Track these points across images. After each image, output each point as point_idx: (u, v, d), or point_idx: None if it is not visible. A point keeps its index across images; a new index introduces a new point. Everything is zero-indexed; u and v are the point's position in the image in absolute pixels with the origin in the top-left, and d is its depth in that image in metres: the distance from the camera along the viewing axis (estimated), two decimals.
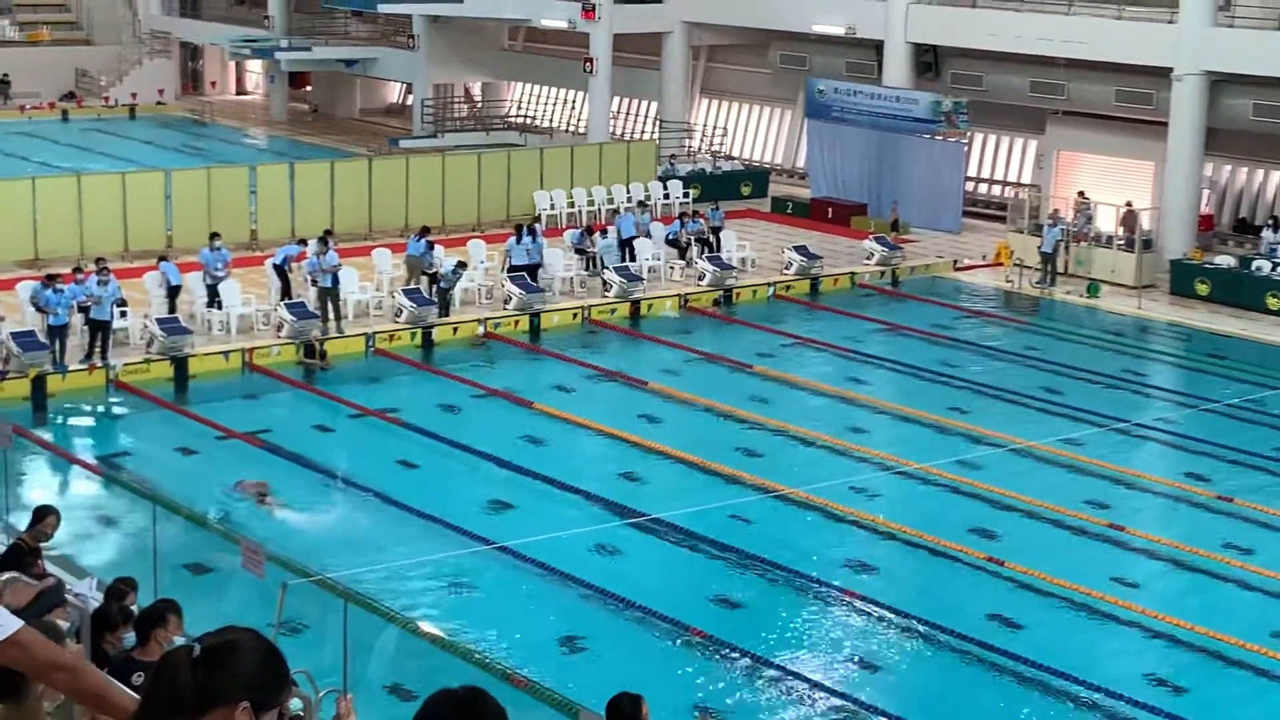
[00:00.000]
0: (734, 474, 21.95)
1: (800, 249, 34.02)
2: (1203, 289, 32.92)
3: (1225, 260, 33.72)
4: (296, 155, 42.80)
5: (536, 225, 32.05)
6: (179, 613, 10.12)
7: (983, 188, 41.85)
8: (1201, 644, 17.16)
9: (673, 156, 42.35)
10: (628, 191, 38.76)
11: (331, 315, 27.76)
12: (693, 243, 33.66)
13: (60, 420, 24.34)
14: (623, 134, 46.87)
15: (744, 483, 21.63)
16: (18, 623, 4.17)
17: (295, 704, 9.31)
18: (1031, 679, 16.18)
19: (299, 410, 25.29)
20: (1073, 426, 24.52)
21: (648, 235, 33.54)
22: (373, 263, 30.79)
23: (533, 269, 30.57)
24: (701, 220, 34.42)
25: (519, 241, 30.67)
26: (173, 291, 27.71)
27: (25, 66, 54.99)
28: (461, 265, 29.73)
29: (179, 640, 8.99)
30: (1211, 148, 35.33)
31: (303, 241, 29.70)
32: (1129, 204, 35.38)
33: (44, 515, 13.12)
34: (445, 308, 29.02)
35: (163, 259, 28.55)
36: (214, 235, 28.85)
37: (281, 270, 28.84)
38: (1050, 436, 23.85)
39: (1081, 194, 36.15)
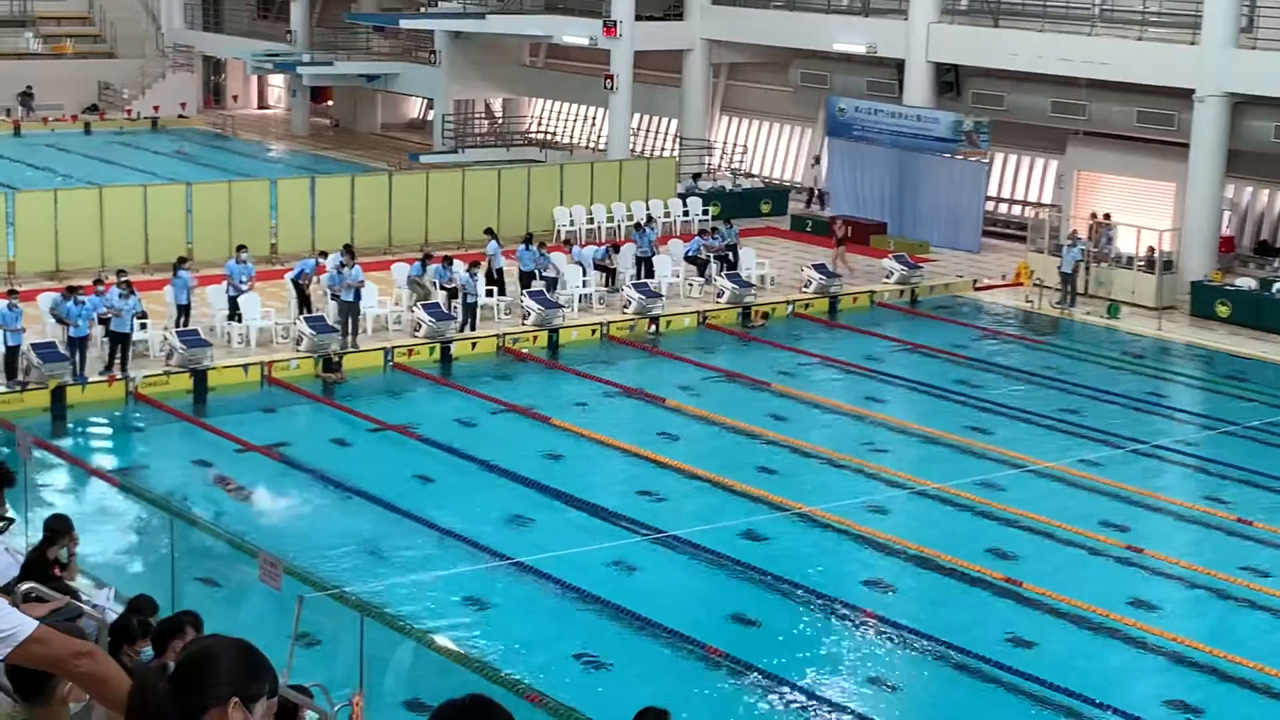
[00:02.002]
0: (752, 492, 21.91)
1: (819, 267, 34.01)
2: (1223, 311, 32.82)
3: (1246, 282, 33.63)
4: (317, 170, 42.94)
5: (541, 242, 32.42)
6: (198, 625, 10.09)
7: (1003, 207, 41.82)
8: (1218, 667, 17.09)
9: (697, 175, 42.33)
10: (647, 208, 38.80)
11: (350, 330, 27.84)
12: (712, 260, 33.67)
13: (79, 432, 24.42)
14: (643, 151, 46.91)
15: (762, 500, 21.60)
16: (34, 621, 4.39)
17: (311, 717, 9.28)
18: (1048, 700, 16.12)
19: (317, 424, 25.35)
20: (1091, 448, 24.46)
21: (649, 255, 33.41)
22: (392, 277, 30.85)
23: (549, 281, 30.73)
24: (720, 236, 34.43)
25: (527, 248, 31.34)
26: (180, 308, 27.51)
27: (48, 79, 55.25)
28: (474, 265, 29.96)
29: None
30: (1233, 169, 35.24)
31: (323, 254, 29.81)
32: (1094, 214, 35.45)
33: (61, 529, 13.05)
34: (472, 322, 29.08)
35: (183, 262, 28.13)
36: (240, 248, 28.88)
37: (297, 284, 28.87)
38: (1069, 457, 23.80)
39: (1106, 215, 36.09)
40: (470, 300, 29.18)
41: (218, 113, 58.09)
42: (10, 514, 9.41)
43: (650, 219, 36.00)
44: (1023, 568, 19.50)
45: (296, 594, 15.33)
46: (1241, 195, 37.50)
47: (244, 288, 27.99)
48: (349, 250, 28.91)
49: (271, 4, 62.05)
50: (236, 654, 3.85)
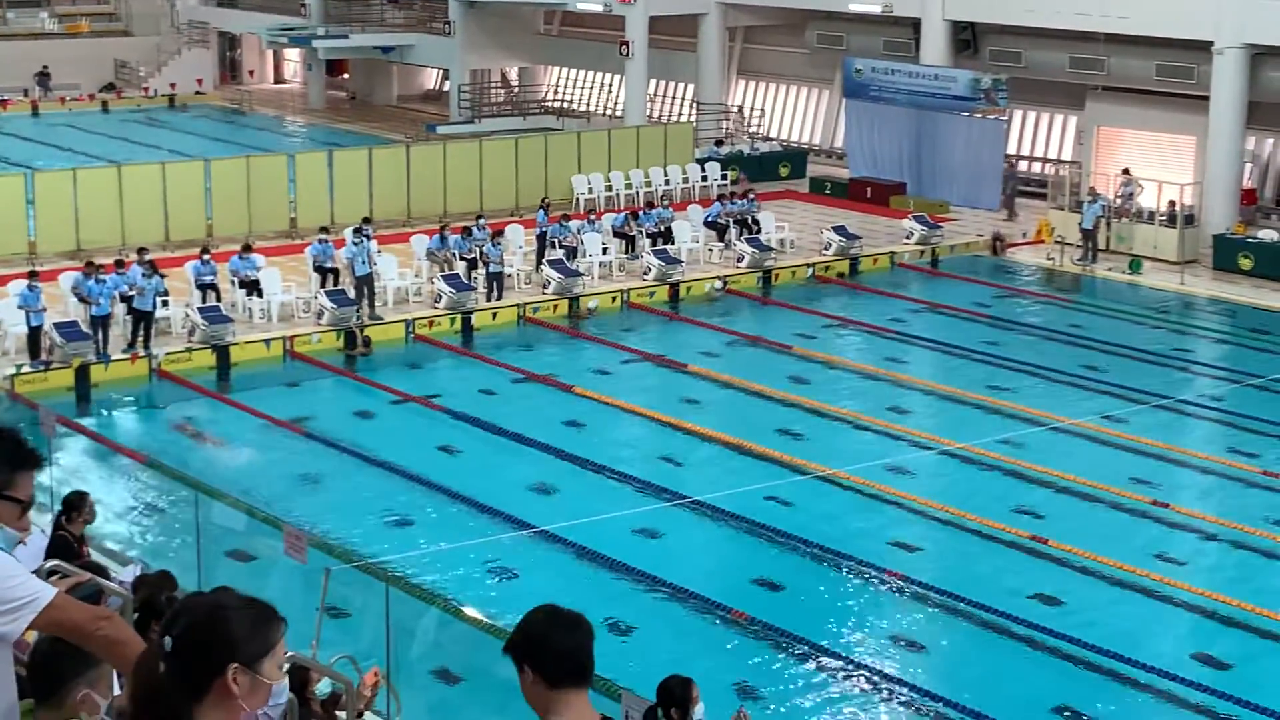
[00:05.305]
0: (774, 455, 21.92)
1: (839, 229, 33.91)
2: (1246, 264, 32.66)
3: (1268, 234, 33.43)
4: (335, 143, 42.96)
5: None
6: None
7: (1023, 165, 41.59)
8: (1246, 620, 17.07)
9: (719, 141, 42.17)
10: (665, 175, 38.70)
11: (368, 301, 27.83)
12: (732, 224, 33.58)
13: (104, 410, 24.52)
14: (659, 117, 46.79)
15: (784, 464, 21.61)
16: (53, 589, 4.57)
17: (324, 686, 9.30)
18: (1075, 657, 16.12)
19: (340, 397, 25.42)
20: (1115, 404, 24.39)
21: (662, 232, 33.12)
22: (411, 249, 30.86)
23: (569, 250, 30.80)
24: (741, 200, 34.31)
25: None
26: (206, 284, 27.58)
27: (65, 58, 55.29)
28: (499, 234, 30.01)
29: None
30: (1253, 121, 35.02)
31: (324, 229, 29.60)
32: (1126, 170, 35.33)
33: (80, 501, 13.12)
34: (499, 291, 29.08)
35: (204, 253, 28.15)
36: (247, 247, 28.71)
37: (321, 268, 28.74)
38: (1093, 414, 23.74)
39: (1126, 170, 35.91)
40: (495, 270, 29.19)
41: (234, 88, 58.07)
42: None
43: (651, 205, 33.83)
44: (1048, 525, 19.47)
45: (322, 566, 15.39)
46: (1263, 147, 37.26)
47: (252, 277, 27.84)
48: (359, 231, 28.60)
49: None
50: (228, 619, 3.69)
